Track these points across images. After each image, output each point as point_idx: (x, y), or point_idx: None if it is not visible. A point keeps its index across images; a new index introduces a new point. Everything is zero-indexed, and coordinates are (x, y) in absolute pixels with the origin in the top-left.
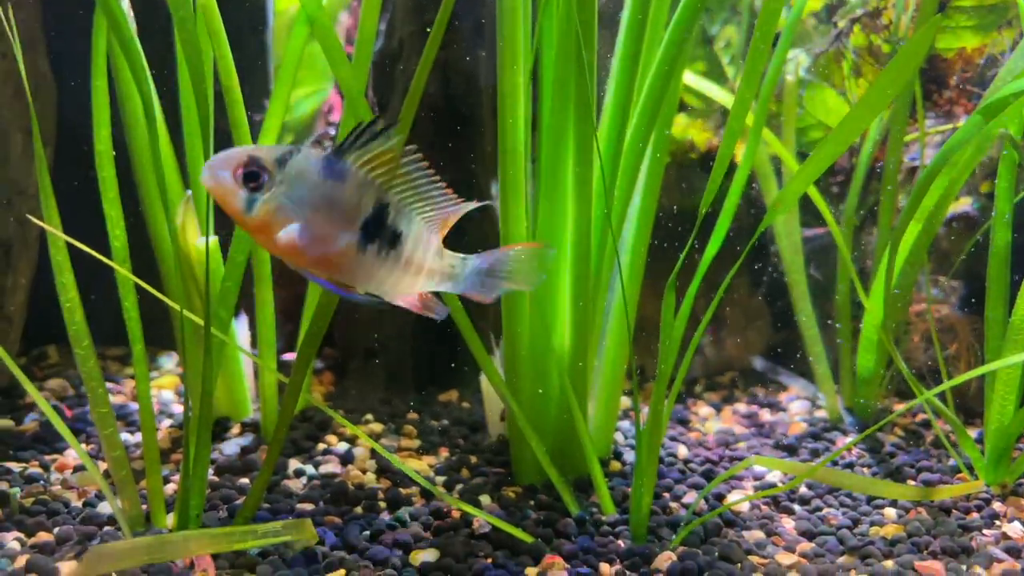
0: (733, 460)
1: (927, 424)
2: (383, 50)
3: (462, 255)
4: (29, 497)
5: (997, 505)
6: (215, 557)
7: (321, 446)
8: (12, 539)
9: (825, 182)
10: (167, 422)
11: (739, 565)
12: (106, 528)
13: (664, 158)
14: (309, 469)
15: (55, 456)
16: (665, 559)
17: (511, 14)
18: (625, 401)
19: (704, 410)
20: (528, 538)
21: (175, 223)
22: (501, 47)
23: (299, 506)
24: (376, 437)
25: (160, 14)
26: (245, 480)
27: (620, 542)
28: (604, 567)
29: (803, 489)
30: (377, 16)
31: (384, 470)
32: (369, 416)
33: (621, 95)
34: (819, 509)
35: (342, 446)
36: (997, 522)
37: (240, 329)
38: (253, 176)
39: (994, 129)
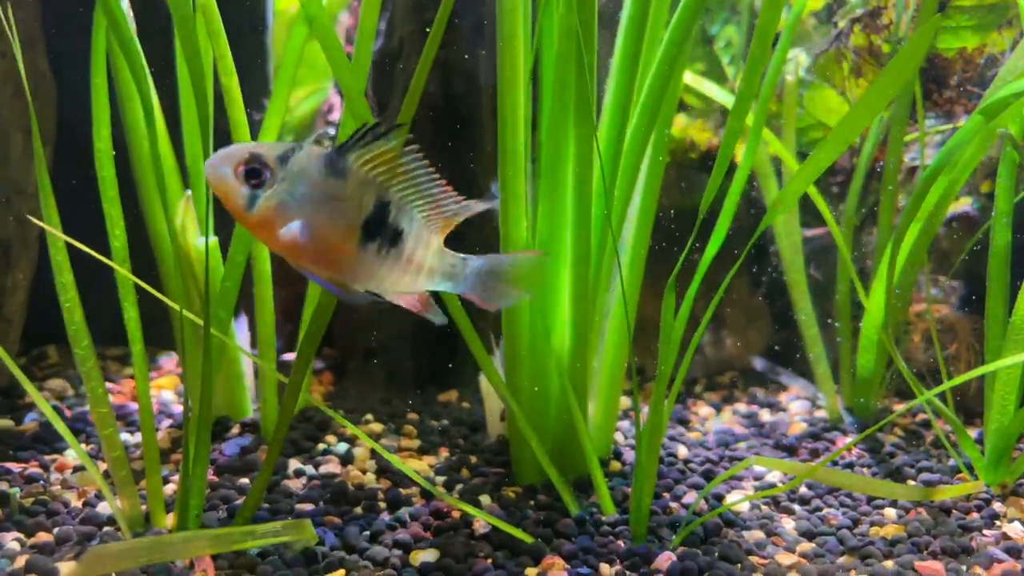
0: (733, 460)
1: (927, 424)
2: (383, 49)
3: (462, 255)
4: (29, 497)
5: (997, 505)
6: (215, 557)
7: (321, 446)
8: (12, 539)
9: (825, 182)
10: (167, 422)
11: (739, 565)
12: (106, 528)
13: (664, 158)
14: (309, 469)
15: (55, 456)
16: (665, 559)
17: (511, 14)
18: (625, 401)
19: (704, 410)
20: (528, 538)
21: (174, 223)
22: (501, 47)
23: (299, 506)
24: (376, 437)
25: (160, 14)
26: (245, 480)
27: (620, 542)
28: (604, 567)
29: (803, 489)
30: (377, 15)
31: (384, 470)
32: (369, 416)
33: (621, 95)
34: (819, 509)
35: (342, 446)
36: (997, 522)
37: (240, 329)
38: (255, 173)
39: (994, 129)
